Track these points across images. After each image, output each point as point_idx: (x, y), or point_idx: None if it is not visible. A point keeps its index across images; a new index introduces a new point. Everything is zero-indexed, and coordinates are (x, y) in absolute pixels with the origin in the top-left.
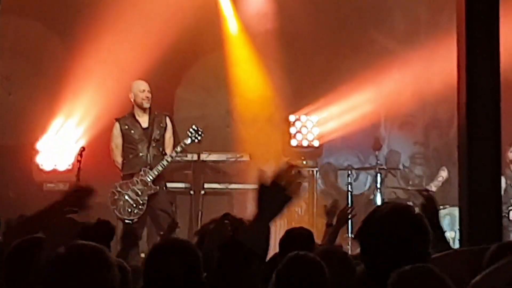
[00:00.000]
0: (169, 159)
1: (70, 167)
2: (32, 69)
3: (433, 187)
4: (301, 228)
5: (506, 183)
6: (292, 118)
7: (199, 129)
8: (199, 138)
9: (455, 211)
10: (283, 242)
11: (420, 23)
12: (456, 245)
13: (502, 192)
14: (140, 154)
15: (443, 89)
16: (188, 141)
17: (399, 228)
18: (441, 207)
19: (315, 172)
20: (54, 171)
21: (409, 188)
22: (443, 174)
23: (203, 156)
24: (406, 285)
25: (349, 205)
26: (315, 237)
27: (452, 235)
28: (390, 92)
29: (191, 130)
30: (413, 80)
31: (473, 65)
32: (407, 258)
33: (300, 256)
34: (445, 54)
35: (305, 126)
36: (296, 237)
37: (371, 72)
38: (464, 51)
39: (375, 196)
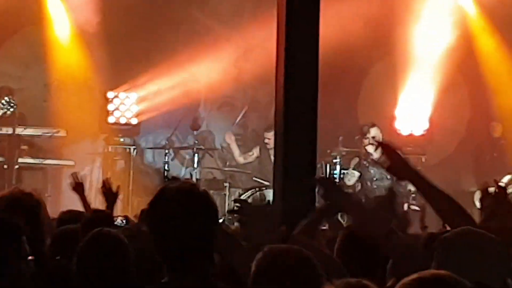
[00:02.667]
0: None
1: None
2: None
3: (242, 160)
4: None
5: (360, 176)
6: (110, 94)
7: (12, 100)
8: (11, 110)
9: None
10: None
11: (244, 5)
12: None
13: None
14: None
15: (264, 71)
16: (0, 113)
17: (185, 207)
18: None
19: (132, 150)
20: None
21: (226, 168)
22: (255, 151)
23: (18, 130)
24: (272, 264)
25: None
26: (130, 215)
27: None
28: (211, 72)
29: (3, 101)
30: (235, 62)
31: (292, 48)
32: (195, 237)
33: (102, 232)
34: (267, 36)
35: (124, 104)
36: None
37: (193, 52)
38: (283, 34)
39: (192, 176)
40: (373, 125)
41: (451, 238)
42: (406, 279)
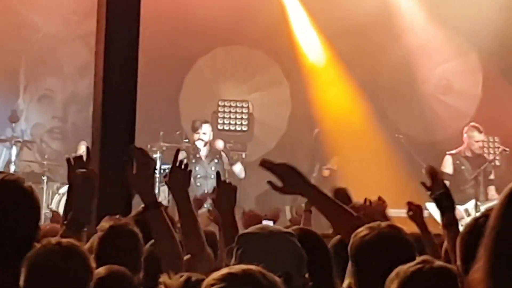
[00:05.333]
0: None
1: None
2: None
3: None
4: None
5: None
6: None
7: None
8: None
9: None
10: None
11: None
12: None
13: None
14: None
15: (85, 64)
16: None
17: (5, 200)
18: None
19: None
20: None
21: (45, 162)
22: (84, 148)
23: None
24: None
25: None
26: None
27: None
28: (30, 64)
29: None
30: (50, 54)
31: (112, 42)
32: (11, 233)
33: None
34: (87, 28)
35: None
36: None
37: (13, 43)
38: (103, 26)
39: (9, 169)
40: (205, 121)
41: (246, 234)
42: (216, 274)
